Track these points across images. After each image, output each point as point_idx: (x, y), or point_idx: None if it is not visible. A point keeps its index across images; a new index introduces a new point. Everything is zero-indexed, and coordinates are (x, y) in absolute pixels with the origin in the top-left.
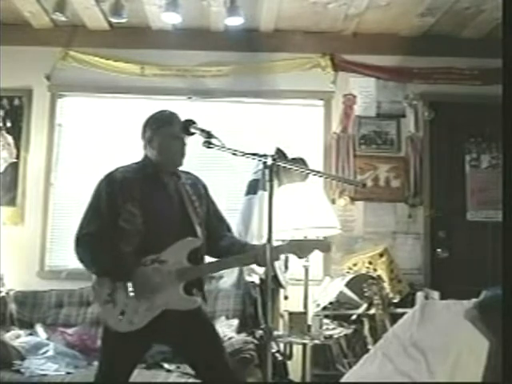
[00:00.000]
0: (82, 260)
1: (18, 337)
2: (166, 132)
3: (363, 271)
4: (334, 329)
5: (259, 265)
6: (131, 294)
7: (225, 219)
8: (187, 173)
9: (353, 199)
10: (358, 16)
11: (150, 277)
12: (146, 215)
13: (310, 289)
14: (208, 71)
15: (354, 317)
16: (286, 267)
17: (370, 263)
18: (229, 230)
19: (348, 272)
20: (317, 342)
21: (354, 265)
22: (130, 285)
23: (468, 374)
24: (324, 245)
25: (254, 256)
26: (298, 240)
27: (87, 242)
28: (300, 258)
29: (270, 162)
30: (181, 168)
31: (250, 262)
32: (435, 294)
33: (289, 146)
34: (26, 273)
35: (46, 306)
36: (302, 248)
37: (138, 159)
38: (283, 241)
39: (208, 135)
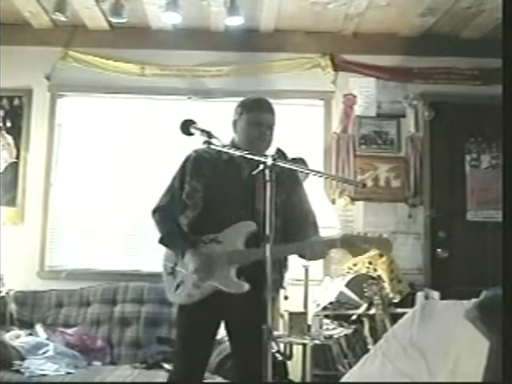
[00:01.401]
0: (158, 231)
1: (18, 337)
2: (248, 118)
3: (363, 271)
4: (334, 329)
5: (307, 259)
6: (192, 268)
7: (308, 214)
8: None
9: (353, 199)
10: (358, 16)
11: (204, 257)
12: (207, 192)
13: (310, 289)
14: (208, 71)
15: (354, 317)
16: (286, 267)
17: (370, 263)
18: (314, 223)
19: (348, 272)
20: (317, 341)
21: (354, 265)
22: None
23: (468, 374)
24: (385, 244)
25: (299, 248)
26: (352, 235)
27: (157, 214)
28: (354, 256)
29: (269, 162)
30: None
31: (295, 253)
32: (435, 294)
33: (289, 145)
34: (26, 273)
35: (46, 306)
36: (357, 245)
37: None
38: None
39: (208, 135)
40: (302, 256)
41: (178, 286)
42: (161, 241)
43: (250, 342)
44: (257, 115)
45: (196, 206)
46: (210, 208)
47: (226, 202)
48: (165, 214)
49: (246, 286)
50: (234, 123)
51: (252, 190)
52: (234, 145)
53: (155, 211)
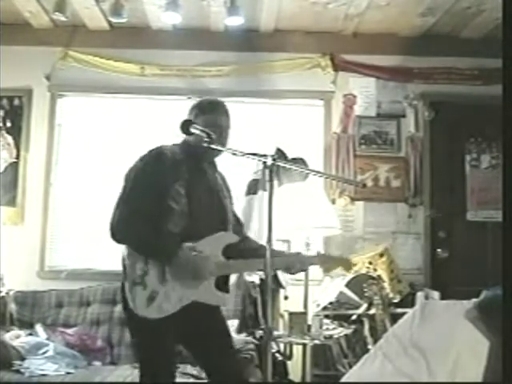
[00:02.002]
0: (120, 238)
1: (18, 337)
2: (207, 120)
3: (363, 271)
4: (334, 329)
5: (290, 273)
6: (167, 278)
7: (240, 219)
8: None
9: (353, 199)
10: (358, 16)
11: (195, 262)
12: (190, 197)
13: (310, 289)
14: (208, 71)
15: (354, 317)
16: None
17: (370, 263)
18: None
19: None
20: (317, 342)
21: (354, 265)
22: (167, 270)
23: (468, 374)
24: (347, 264)
25: (286, 263)
26: (326, 255)
27: (131, 217)
28: (325, 272)
29: (269, 162)
30: None
31: (282, 267)
32: (435, 294)
33: (289, 145)
34: (26, 273)
35: (46, 306)
36: (328, 263)
37: (178, 142)
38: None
39: (208, 135)
40: (287, 269)
41: (150, 299)
42: (136, 247)
43: (218, 351)
44: (215, 118)
45: (183, 212)
46: (193, 215)
47: (203, 207)
48: (142, 217)
49: (228, 298)
50: None
51: (217, 194)
52: (188, 146)
53: (126, 214)
